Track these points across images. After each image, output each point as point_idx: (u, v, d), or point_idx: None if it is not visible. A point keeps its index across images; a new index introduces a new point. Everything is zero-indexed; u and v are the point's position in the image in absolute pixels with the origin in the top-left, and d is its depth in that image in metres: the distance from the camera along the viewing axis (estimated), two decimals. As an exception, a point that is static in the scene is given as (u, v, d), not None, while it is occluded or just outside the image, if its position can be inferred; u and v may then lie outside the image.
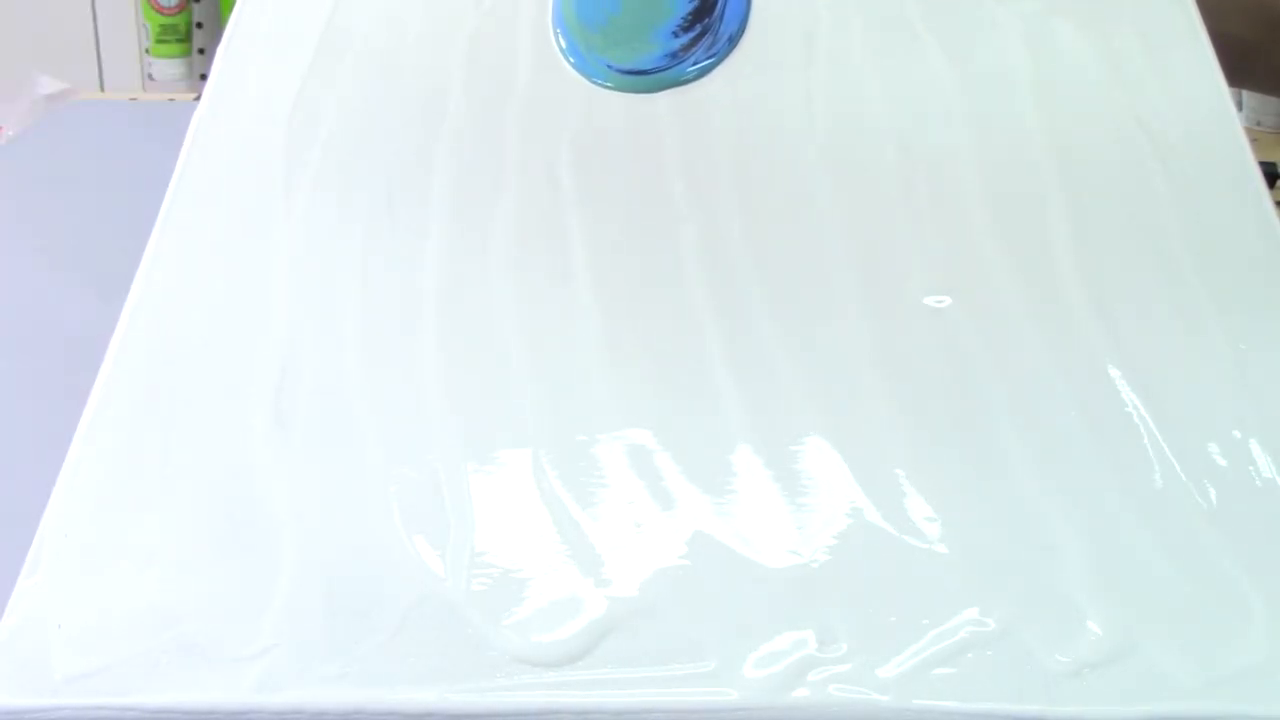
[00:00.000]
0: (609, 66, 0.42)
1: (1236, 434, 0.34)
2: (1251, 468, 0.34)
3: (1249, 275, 0.38)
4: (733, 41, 0.43)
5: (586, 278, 0.38)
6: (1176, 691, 0.29)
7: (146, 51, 1.39)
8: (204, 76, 1.40)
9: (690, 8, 0.43)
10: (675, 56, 0.42)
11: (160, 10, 1.37)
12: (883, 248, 0.38)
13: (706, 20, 0.43)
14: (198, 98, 0.44)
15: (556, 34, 0.44)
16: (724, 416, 0.35)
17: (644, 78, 0.42)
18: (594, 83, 0.42)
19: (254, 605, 0.31)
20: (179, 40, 1.39)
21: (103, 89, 1.41)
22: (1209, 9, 0.44)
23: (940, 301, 0.37)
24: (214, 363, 0.36)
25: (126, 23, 1.40)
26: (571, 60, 0.43)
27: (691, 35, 0.42)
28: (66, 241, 0.60)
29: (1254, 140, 0.41)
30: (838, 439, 0.34)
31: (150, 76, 1.40)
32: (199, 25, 1.42)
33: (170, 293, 0.38)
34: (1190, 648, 0.30)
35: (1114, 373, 0.35)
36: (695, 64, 0.42)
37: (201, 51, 1.42)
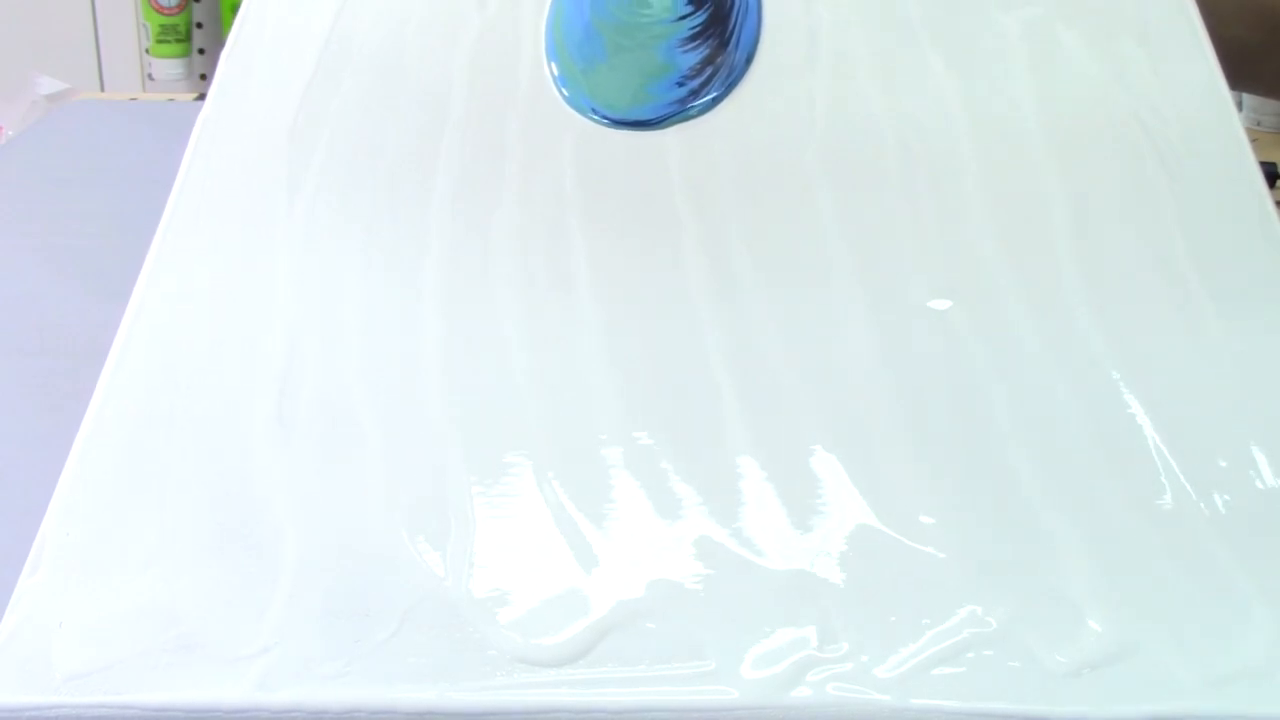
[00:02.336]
0: (594, 111, 0.40)
1: (1237, 435, 0.34)
2: (1251, 469, 0.34)
3: (1249, 275, 0.38)
4: (750, 61, 0.42)
5: (588, 280, 0.38)
6: (1176, 691, 0.29)
7: (146, 51, 1.40)
8: (204, 76, 1.40)
9: (698, 58, 0.41)
10: (682, 103, 0.40)
11: (160, 10, 1.37)
12: (884, 250, 0.38)
13: (719, 59, 0.41)
14: (198, 98, 0.44)
15: (550, 64, 0.43)
16: (724, 418, 0.35)
17: (642, 125, 0.41)
18: (587, 117, 0.41)
19: (254, 605, 0.31)
20: (179, 40, 1.39)
21: (103, 89, 1.41)
22: (1211, 11, 0.44)
23: (942, 304, 0.37)
24: (216, 363, 0.36)
25: (126, 23, 1.40)
26: (565, 93, 0.42)
27: (700, 80, 0.40)
28: (66, 241, 0.60)
29: (1254, 140, 0.41)
30: (839, 441, 0.34)
31: (150, 76, 1.40)
32: (199, 25, 1.42)
33: (173, 294, 0.38)
34: (1190, 648, 0.30)
35: (1114, 374, 0.35)
36: (706, 96, 0.41)
37: (202, 51, 1.42)
